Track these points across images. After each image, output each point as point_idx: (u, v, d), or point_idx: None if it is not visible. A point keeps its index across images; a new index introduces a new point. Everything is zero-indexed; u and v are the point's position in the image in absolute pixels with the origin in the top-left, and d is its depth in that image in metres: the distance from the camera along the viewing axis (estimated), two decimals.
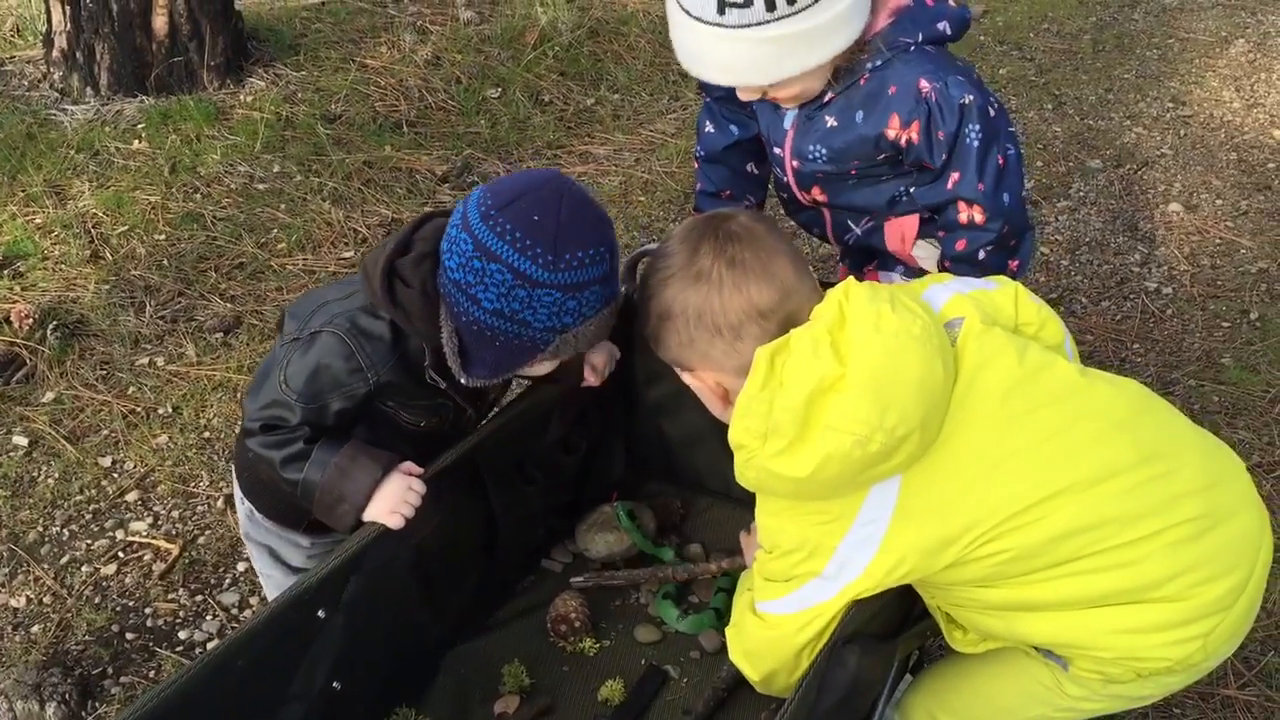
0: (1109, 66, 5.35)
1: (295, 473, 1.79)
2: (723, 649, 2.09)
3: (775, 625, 1.67)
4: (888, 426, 1.44)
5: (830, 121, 2.01)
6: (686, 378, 1.73)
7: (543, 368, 1.83)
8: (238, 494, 2.10)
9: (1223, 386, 3.28)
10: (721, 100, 2.23)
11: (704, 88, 2.24)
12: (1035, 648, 1.69)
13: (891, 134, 1.96)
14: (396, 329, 1.78)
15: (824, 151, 2.03)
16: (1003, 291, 1.68)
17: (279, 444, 1.80)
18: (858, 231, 2.22)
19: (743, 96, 2.04)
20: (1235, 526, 1.59)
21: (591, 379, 2.12)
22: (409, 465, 1.85)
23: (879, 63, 1.96)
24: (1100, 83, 5.20)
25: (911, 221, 2.15)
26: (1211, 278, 3.82)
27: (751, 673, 1.77)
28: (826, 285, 2.27)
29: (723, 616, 2.15)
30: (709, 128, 2.27)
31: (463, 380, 1.77)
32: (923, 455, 1.51)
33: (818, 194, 2.13)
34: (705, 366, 1.67)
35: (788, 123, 2.06)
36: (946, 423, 1.52)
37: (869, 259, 2.28)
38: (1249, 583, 1.59)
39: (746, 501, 2.38)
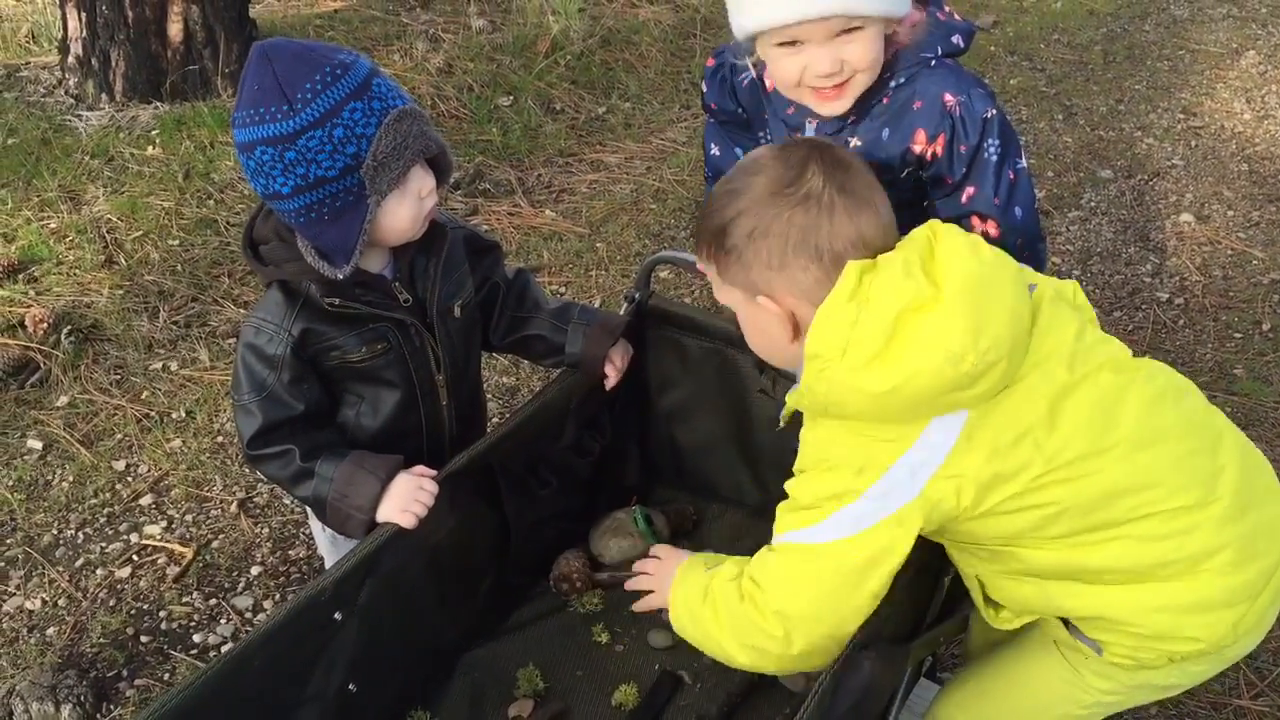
0: (1120, 77, 5.36)
1: (305, 490, 1.83)
2: None
3: (811, 556, 1.56)
4: (981, 348, 1.41)
5: (855, 143, 1.99)
6: (750, 303, 1.61)
7: (398, 217, 1.76)
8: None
9: (1235, 398, 3.27)
10: (726, 123, 2.22)
11: (708, 109, 2.24)
12: (1070, 628, 1.67)
13: (917, 149, 1.96)
14: (284, 285, 1.81)
15: None
16: (1066, 281, 1.70)
17: (278, 467, 1.84)
18: None
19: (820, 65, 1.89)
20: (1268, 512, 1.60)
21: (612, 375, 2.13)
22: (420, 468, 1.87)
23: (902, 80, 1.96)
24: (1111, 93, 5.20)
25: None
26: (1223, 288, 3.82)
27: (769, 641, 1.61)
28: None
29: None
30: (714, 149, 2.26)
31: (339, 276, 1.74)
32: (996, 394, 1.48)
33: None
34: (787, 292, 1.56)
35: None
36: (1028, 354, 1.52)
37: None
38: (1276, 571, 1.60)
39: (759, 509, 2.40)
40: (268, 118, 1.63)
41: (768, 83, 2.09)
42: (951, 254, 1.49)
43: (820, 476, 1.56)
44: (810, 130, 2.04)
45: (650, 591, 1.90)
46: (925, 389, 1.43)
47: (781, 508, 1.62)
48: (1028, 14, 6.06)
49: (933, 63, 1.96)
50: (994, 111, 1.94)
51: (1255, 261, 3.96)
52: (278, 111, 1.63)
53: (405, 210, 1.76)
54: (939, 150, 1.95)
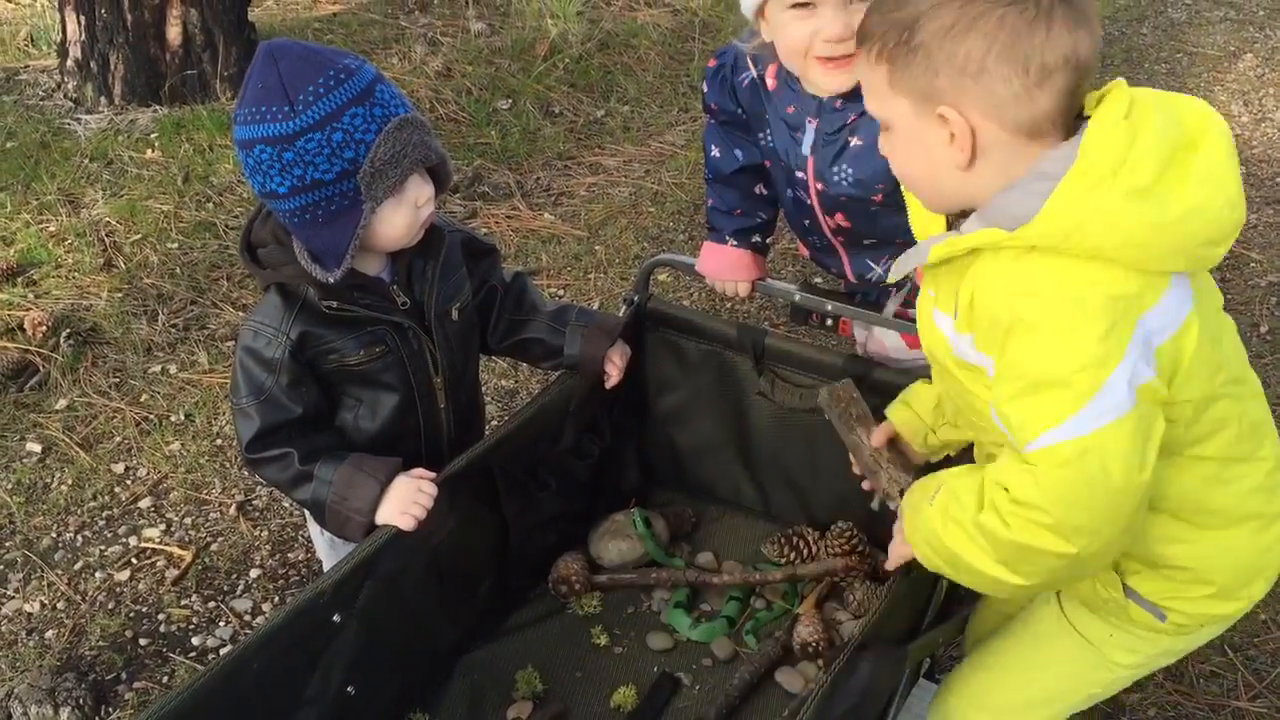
0: None
1: (304, 494, 1.83)
2: (735, 656, 2.10)
3: (1083, 454, 1.31)
4: (1241, 207, 1.35)
5: (855, 142, 1.99)
6: (924, 115, 1.39)
7: (393, 224, 1.76)
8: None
9: None
10: (726, 124, 2.22)
11: (709, 109, 2.24)
12: (1130, 595, 1.58)
13: None
14: (282, 289, 1.82)
15: (850, 173, 2.01)
16: None
17: (277, 470, 1.84)
18: (879, 270, 2.18)
19: (832, 28, 1.87)
20: None
21: (613, 374, 2.14)
22: (420, 470, 1.87)
23: None
24: None
25: None
26: (1222, 291, 3.82)
27: (1059, 563, 1.38)
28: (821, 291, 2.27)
29: (734, 625, 2.16)
30: (715, 151, 2.26)
31: (330, 279, 1.74)
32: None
33: (841, 220, 2.10)
34: (975, 106, 1.35)
35: (806, 147, 2.04)
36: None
37: (886, 293, 2.24)
38: None
39: (757, 510, 2.41)
40: (268, 117, 1.64)
41: (769, 82, 2.09)
42: (1197, 111, 1.38)
43: (1059, 341, 1.31)
44: (810, 130, 2.04)
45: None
46: (1201, 229, 1.31)
47: (1009, 396, 1.36)
48: None
49: None
50: None
51: (1253, 264, 3.97)
52: (279, 112, 1.64)
53: (401, 218, 1.76)
54: None
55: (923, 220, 1.58)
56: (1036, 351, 1.33)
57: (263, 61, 1.67)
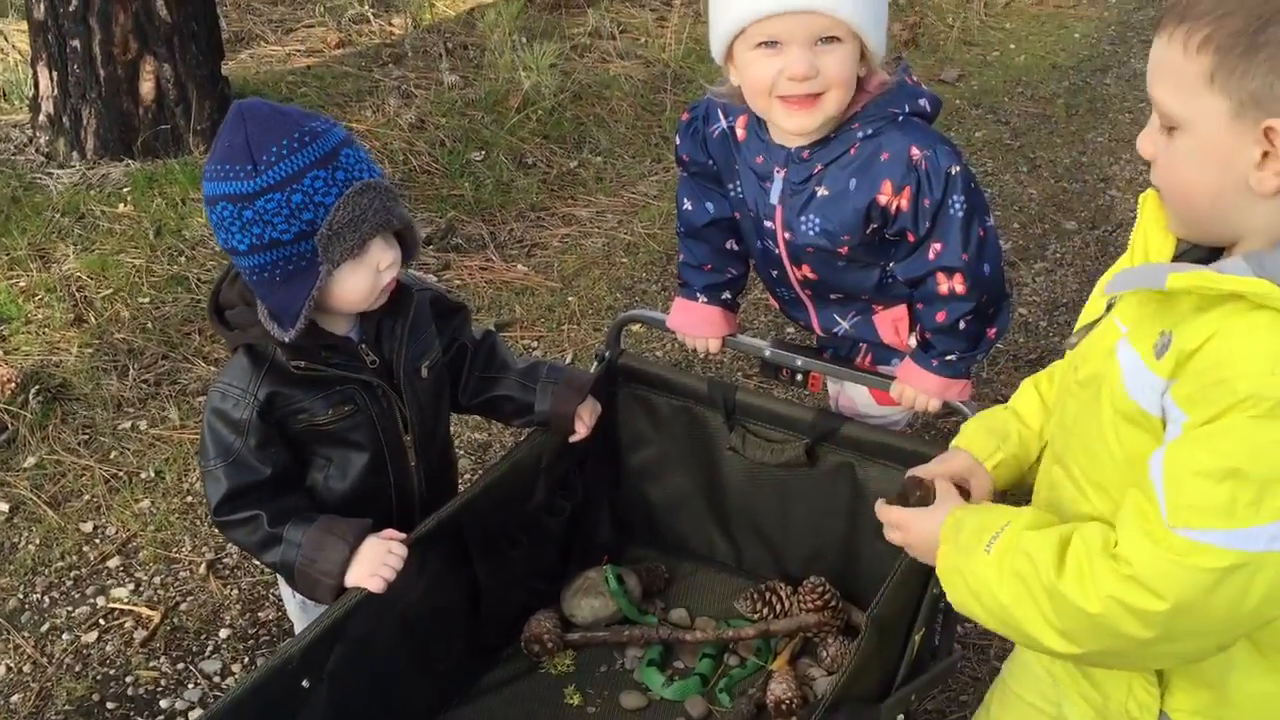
0: (1082, 130, 5.45)
1: (273, 556, 1.83)
2: (708, 715, 2.09)
3: (1234, 567, 1.16)
4: None
5: (822, 192, 2.02)
6: (1237, 124, 1.18)
7: (352, 287, 1.76)
8: None
9: None
10: (697, 175, 2.24)
11: (681, 161, 2.26)
12: None
13: (883, 200, 1.98)
14: (250, 349, 1.82)
15: (817, 223, 2.04)
16: None
17: (246, 533, 1.83)
18: (845, 325, 2.21)
19: (796, 67, 1.89)
20: None
21: (581, 430, 2.14)
22: (390, 531, 1.87)
23: (870, 131, 1.99)
24: (1074, 146, 5.29)
25: (901, 311, 2.16)
26: None
27: (1127, 644, 1.24)
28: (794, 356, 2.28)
29: (708, 682, 2.16)
30: (687, 204, 2.28)
31: (285, 339, 1.75)
32: None
33: (808, 271, 2.13)
34: None
35: (774, 196, 2.07)
36: None
37: (855, 349, 2.27)
38: None
39: (730, 566, 2.41)
40: (231, 175, 1.67)
41: (739, 133, 2.12)
42: None
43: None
44: (779, 180, 2.06)
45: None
46: None
47: (1193, 468, 1.18)
48: (992, 68, 6.16)
49: (900, 118, 2.00)
50: (958, 168, 1.97)
51: None
52: (241, 170, 1.66)
53: (360, 281, 1.77)
54: (904, 204, 1.98)
55: (1154, 240, 1.36)
56: (1258, 443, 1.15)
57: (233, 120, 1.70)
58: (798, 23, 1.88)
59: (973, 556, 1.37)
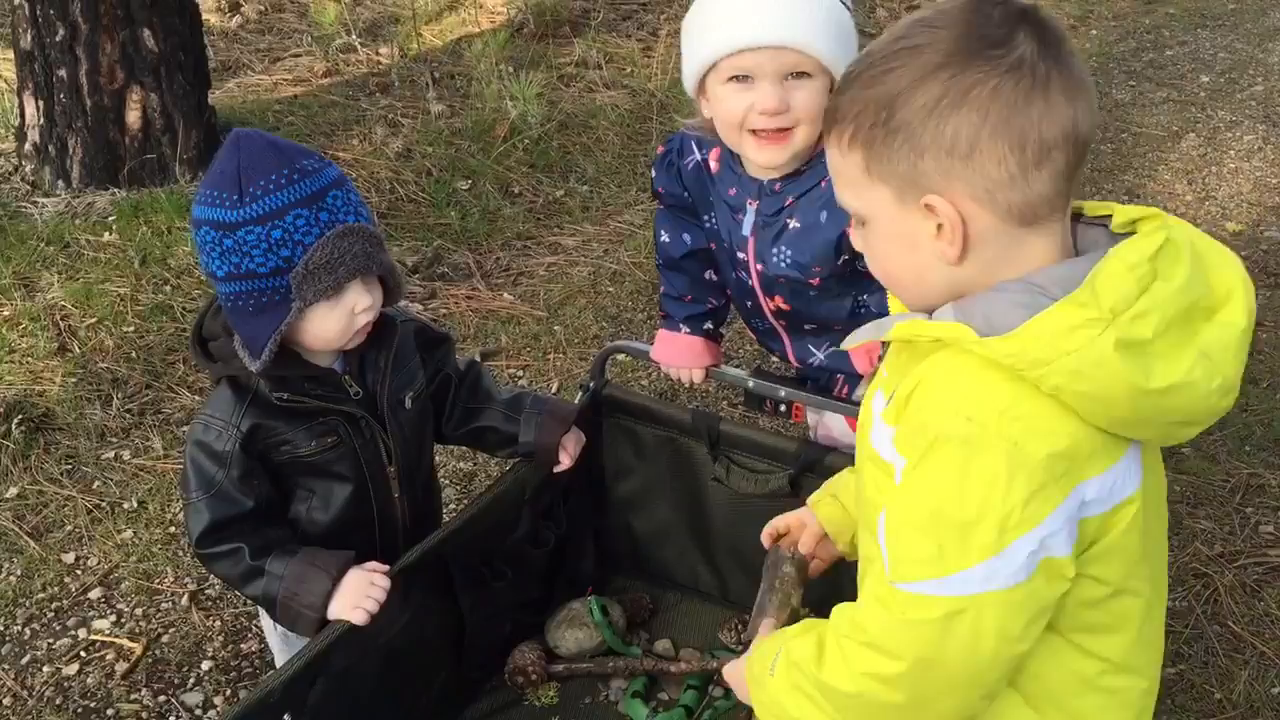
0: None
1: (255, 589, 1.82)
2: None
3: (956, 613, 1.17)
4: (1234, 394, 1.19)
5: (794, 224, 2.04)
6: (903, 206, 1.22)
7: (325, 327, 1.77)
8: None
9: (1184, 476, 3.32)
10: (673, 208, 2.26)
11: (657, 194, 2.28)
12: None
13: None
14: (233, 381, 1.83)
15: (789, 254, 2.06)
16: None
17: (228, 566, 1.83)
18: (820, 356, 2.22)
19: (767, 101, 1.91)
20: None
21: (565, 461, 2.14)
22: (373, 564, 1.86)
23: None
24: None
25: (875, 342, 2.18)
26: None
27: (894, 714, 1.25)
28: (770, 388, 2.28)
29: (692, 714, 2.15)
30: (664, 236, 2.29)
31: (254, 368, 1.75)
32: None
33: (780, 302, 2.15)
34: (965, 191, 1.18)
35: (747, 228, 2.09)
36: None
37: (831, 379, 2.28)
38: None
39: (714, 596, 2.40)
40: (217, 202, 1.69)
41: (712, 165, 2.14)
42: (1233, 267, 1.22)
43: (978, 485, 1.15)
44: (751, 212, 2.08)
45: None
46: (1181, 408, 1.15)
47: (902, 518, 1.21)
48: None
49: None
50: None
51: None
52: (227, 199, 1.68)
53: (333, 322, 1.77)
54: None
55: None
56: (949, 484, 1.16)
57: (229, 147, 1.73)
58: (769, 58, 1.90)
59: (765, 685, 1.38)
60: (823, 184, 2.02)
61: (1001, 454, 1.14)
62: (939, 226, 1.20)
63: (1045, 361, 1.13)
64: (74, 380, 3.57)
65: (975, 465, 1.15)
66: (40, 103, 4.52)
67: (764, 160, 2.00)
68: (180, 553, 3.02)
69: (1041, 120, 1.16)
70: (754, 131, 1.97)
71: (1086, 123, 1.19)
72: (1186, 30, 7.22)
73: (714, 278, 2.28)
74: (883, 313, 2.06)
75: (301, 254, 1.69)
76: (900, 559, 1.20)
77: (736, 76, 1.94)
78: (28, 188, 4.60)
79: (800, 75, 1.92)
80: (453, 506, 3.08)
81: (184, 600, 2.87)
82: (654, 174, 2.27)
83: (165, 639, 2.77)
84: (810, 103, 1.93)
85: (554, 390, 3.69)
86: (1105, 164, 5.43)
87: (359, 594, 1.82)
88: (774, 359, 2.62)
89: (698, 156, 2.15)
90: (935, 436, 1.18)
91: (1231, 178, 5.27)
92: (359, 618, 1.80)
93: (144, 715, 2.58)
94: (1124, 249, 1.16)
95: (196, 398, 3.56)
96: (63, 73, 4.45)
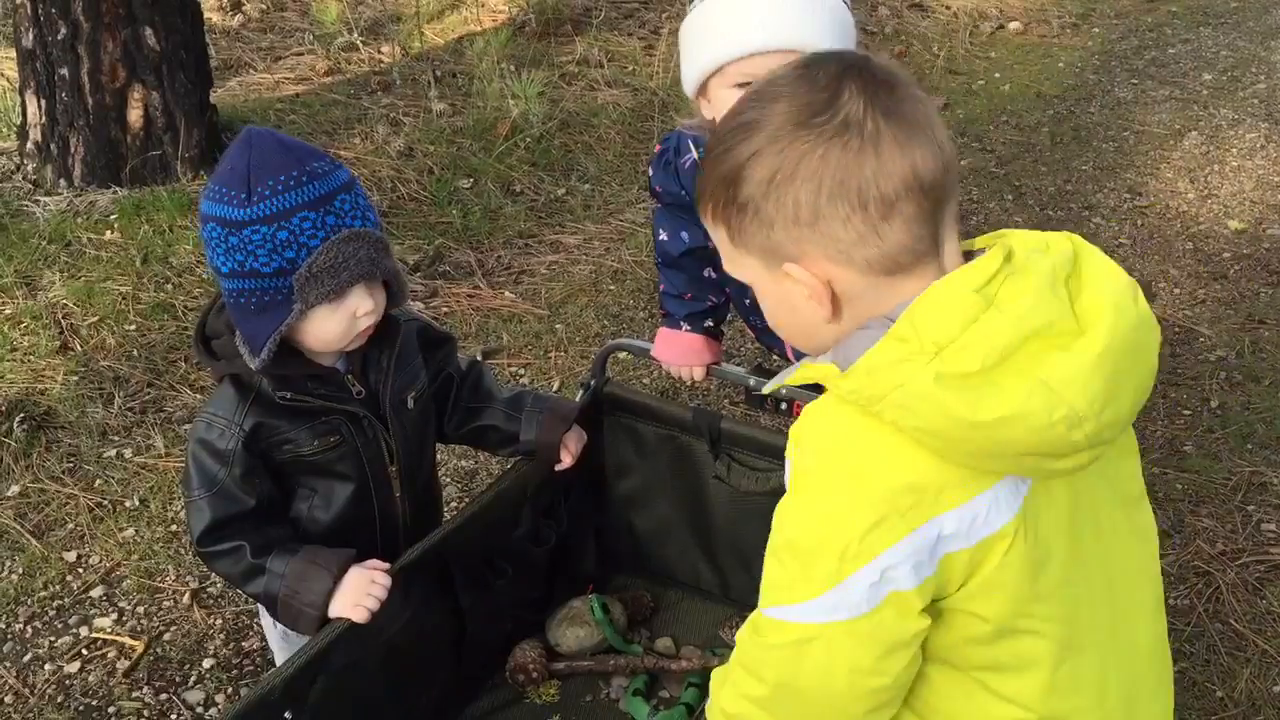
0: (1067, 158, 5.49)
1: (256, 587, 1.82)
2: None
3: (812, 642, 1.20)
4: (1104, 420, 1.13)
5: None
6: (775, 274, 1.25)
7: (326, 329, 1.76)
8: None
9: (1186, 474, 3.32)
10: (671, 206, 2.26)
11: (654, 193, 2.28)
12: None
13: None
14: (236, 379, 1.82)
15: None
16: None
17: (229, 564, 1.83)
18: None
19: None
20: None
21: (566, 459, 2.14)
22: (374, 562, 1.86)
23: None
24: (1059, 174, 5.33)
25: None
26: (1172, 366, 3.89)
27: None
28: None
29: (693, 712, 2.15)
30: (663, 235, 2.30)
31: (254, 366, 1.75)
32: (1078, 476, 1.20)
33: None
34: (820, 255, 1.20)
35: None
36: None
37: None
38: None
39: (716, 594, 2.40)
40: (225, 199, 1.68)
41: None
42: (1105, 288, 1.19)
43: (820, 516, 1.20)
44: None
45: None
46: (1019, 440, 1.12)
47: (770, 546, 1.26)
48: (977, 96, 6.21)
49: None
50: None
51: (1202, 339, 4.04)
52: (235, 197, 1.67)
53: (334, 324, 1.77)
54: None
55: None
56: (800, 515, 1.21)
57: (240, 144, 1.71)
58: (777, 62, 1.89)
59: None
60: None
61: (843, 487, 1.17)
62: (808, 288, 1.22)
63: (879, 397, 1.14)
64: (76, 378, 3.57)
65: (820, 497, 1.19)
66: (42, 101, 4.52)
67: None
68: (182, 551, 3.02)
69: (877, 176, 1.16)
70: None
71: (929, 165, 1.18)
72: (1189, 28, 7.21)
73: (713, 275, 2.28)
74: None
75: (306, 256, 1.68)
76: (766, 586, 1.24)
77: (744, 82, 1.93)
78: (30, 186, 4.60)
79: None
80: (454, 504, 3.08)
81: (185, 598, 2.88)
82: (651, 173, 2.27)
83: (167, 637, 2.78)
84: None
85: (556, 388, 3.69)
86: (1107, 162, 5.42)
87: (360, 592, 1.82)
88: (774, 357, 2.62)
89: (694, 155, 2.15)
90: (796, 470, 1.23)
91: (1234, 176, 5.27)
92: (360, 616, 1.80)
93: (145, 713, 2.58)
94: (949, 279, 1.17)
95: (198, 396, 3.57)
96: (64, 71, 4.45)
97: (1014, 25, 7.14)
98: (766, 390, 1.50)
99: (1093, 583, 1.27)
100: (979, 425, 1.11)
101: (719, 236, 1.29)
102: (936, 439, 1.14)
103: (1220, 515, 3.16)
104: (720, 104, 1.98)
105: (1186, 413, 3.64)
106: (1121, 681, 1.31)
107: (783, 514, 1.23)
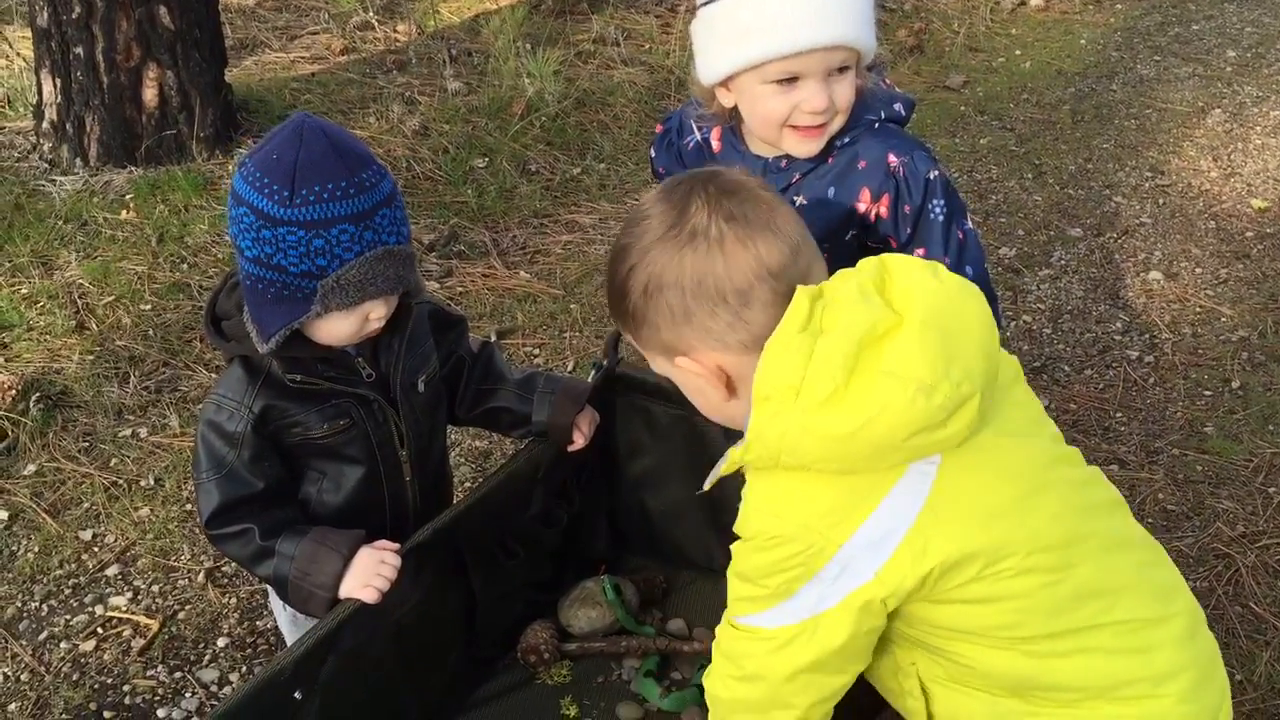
0: (1088, 136, 5.43)
1: (266, 570, 1.81)
2: None
3: (765, 640, 1.45)
4: (954, 379, 1.27)
5: (800, 200, 2.02)
6: (676, 367, 1.47)
7: (337, 328, 1.76)
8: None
9: (1206, 456, 3.29)
10: None
11: (657, 174, 2.26)
12: None
13: (862, 208, 1.99)
14: (246, 361, 1.80)
15: None
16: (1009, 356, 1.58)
17: (239, 546, 1.82)
18: None
19: (818, 101, 1.91)
20: (1209, 635, 1.51)
21: (579, 440, 2.12)
22: (383, 542, 1.86)
23: (846, 139, 1.99)
24: (1080, 152, 5.27)
25: None
26: (1193, 346, 3.85)
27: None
28: None
29: (705, 693, 2.14)
30: None
31: (261, 349, 1.73)
32: (970, 436, 1.32)
33: None
34: (704, 346, 1.42)
35: None
36: (991, 417, 1.36)
37: None
38: (1224, 701, 1.49)
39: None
40: (265, 191, 1.63)
41: (714, 144, 2.12)
42: (910, 277, 1.37)
43: (768, 551, 1.39)
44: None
45: None
46: (894, 428, 1.27)
47: (732, 574, 1.49)
48: (997, 74, 6.15)
49: (876, 125, 2.00)
50: (937, 173, 1.97)
51: (1224, 319, 3.99)
52: (277, 193, 1.63)
53: (346, 326, 1.76)
54: (883, 211, 1.98)
55: None
56: (746, 555, 1.44)
57: (291, 133, 1.65)
58: (820, 58, 1.89)
59: None
60: (830, 159, 2.00)
61: (767, 535, 1.39)
62: (702, 375, 1.44)
63: (775, 454, 1.33)
64: (91, 358, 3.58)
65: (753, 545, 1.42)
66: (57, 80, 4.53)
67: (804, 151, 2.01)
68: (196, 530, 3.03)
69: (728, 273, 1.37)
70: (795, 127, 1.96)
71: (774, 255, 1.38)
72: (1213, 4, 7.12)
73: None
74: None
75: (337, 267, 1.65)
76: (731, 599, 1.50)
77: (782, 79, 1.91)
78: (46, 166, 4.61)
79: (843, 70, 1.92)
80: (468, 485, 3.08)
81: (200, 577, 2.89)
82: (653, 154, 2.26)
83: (181, 616, 2.79)
84: (848, 94, 1.95)
85: (570, 368, 3.68)
86: (1129, 140, 5.36)
87: (370, 572, 1.81)
88: None
89: (698, 136, 2.14)
90: (739, 531, 1.47)
91: (1258, 154, 5.20)
92: (370, 596, 1.79)
93: (160, 691, 2.59)
94: (775, 335, 1.34)
95: (214, 375, 3.57)
96: (79, 50, 4.45)
97: (1035, 2, 7.06)
98: (706, 487, 1.60)
99: (1051, 509, 1.38)
100: (856, 433, 1.27)
101: (629, 338, 1.52)
102: (832, 461, 1.31)
103: (1240, 497, 3.13)
104: (755, 97, 1.96)
105: (1207, 393, 3.60)
106: (1129, 567, 1.44)
107: (735, 551, 1.47)
